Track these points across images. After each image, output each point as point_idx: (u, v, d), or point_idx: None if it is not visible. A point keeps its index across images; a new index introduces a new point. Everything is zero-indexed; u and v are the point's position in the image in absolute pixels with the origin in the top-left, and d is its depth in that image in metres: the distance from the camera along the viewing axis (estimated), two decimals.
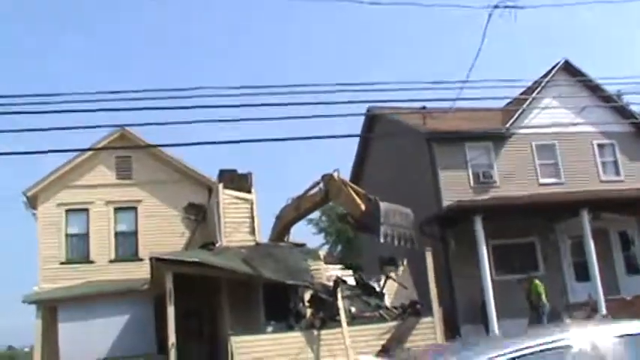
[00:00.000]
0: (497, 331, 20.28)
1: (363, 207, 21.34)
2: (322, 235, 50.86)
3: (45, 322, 21.64)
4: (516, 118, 24.87)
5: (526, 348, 4.50)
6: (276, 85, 12.47)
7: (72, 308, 21.50)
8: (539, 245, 24.28)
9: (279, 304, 20.25)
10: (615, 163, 26.61)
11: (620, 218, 25.34)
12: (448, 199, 23.12)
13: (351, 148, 32.62)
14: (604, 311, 21.15)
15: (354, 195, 21.91)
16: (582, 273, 23.43)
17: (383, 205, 20.55)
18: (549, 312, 19.94)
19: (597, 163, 26.24)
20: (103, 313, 21.43)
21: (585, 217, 22.42)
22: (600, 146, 26.51)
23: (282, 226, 25.40)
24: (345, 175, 32.35)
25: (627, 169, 26.53)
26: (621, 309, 21.70)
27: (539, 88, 25.19)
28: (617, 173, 26.44)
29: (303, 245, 23.68)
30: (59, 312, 21.58)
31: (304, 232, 38.53)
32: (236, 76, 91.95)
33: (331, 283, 20.01)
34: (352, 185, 22.61)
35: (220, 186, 22.50)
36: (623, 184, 25.88)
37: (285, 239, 24.69)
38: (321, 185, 23.38)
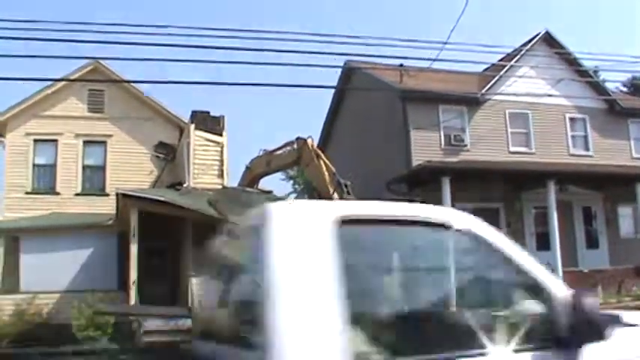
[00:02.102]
0: None
1: (330, 190, 21.54)
2: (290, 182, 51.08)
3: (7, 251, 21.51)
4: (492, 85, 24.92)
5: None
6: (254, 30, 12.35)
7: (35, 239, 21.35)
8: (503, 212, 24.58)
9: None
10: (585, 138, 26.85)
11: (585, 193, 25.71)
12: (418, 159, 23.17)
13: (324, 104, 32.53)
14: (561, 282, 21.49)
15: (325, 172, 22.01)
16: (543, 243, 23.73)
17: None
18: None
19: (568, 136, 26.46)
20: (66, 246, 21.32)
21: (552, 188, 22.69)
22: (572, 120, 26.70)
23: (252, 177, 25.42)
24: (318, 128, 32.41)
25: (597, 144, 26.79)
26: (578, 281, 22.12)
27: (517, 57, 25.24)
28: (587, 148, 26.69)
29: (270, 192, 23.73)
30: (22, 242, 21.42)
31: (272, 178, 38.49)
32: (213, 17, 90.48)
33: None
34: (324, 159, 22.62)
35: (192, 127, 22.38)
36: (591, 159, 26.16)
37: (254, 188, 24.74)
38: (295, 146, 23.42)
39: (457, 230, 3.53)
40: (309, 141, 22.73)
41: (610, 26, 78.25)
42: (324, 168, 22.17)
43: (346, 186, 21.44)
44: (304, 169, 24.29)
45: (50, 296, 20.06)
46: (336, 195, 21.26)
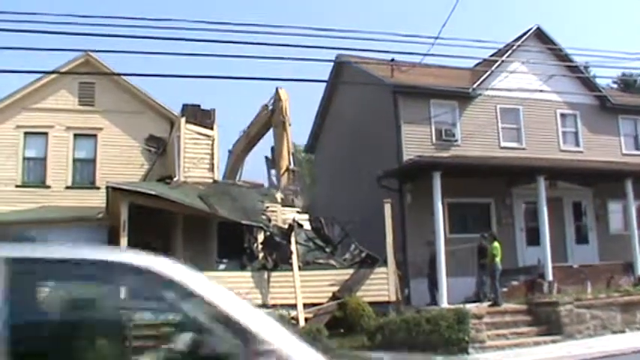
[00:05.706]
0: (445, 287, 20.53)
1: (283, 166, 22.19)
2: None
3: None
4: (483, 80, 24.91)
5: None
6: (246, 24, 12.30)
7: (25, 232, 21.27)
8: (494, 207, 24.62)
9: (233, 242, 20.36)
10: (576, 134, 26.91)
11: (575, 189, 25.79)
12: (409, 154, 23.19)
13: (314, 99, 32.48)
14: (550, 277, 21.59)
15: (285, 146, 22.49)
16: (533, 238, 23.86)
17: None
18: (500, 274, 20.21)
19: (559, 132, 26.50)
20: (56, 239, 21.12)
21: (542, 184, 22.71)
22: (563, 116, 26.75)
23: (235, 157, 25.67)
24: (308, 124, 32.40)
25: (587, 140, 26.84)
26: (567, 276, 22.22)
27: (509, 52, 25.21)
28: (577, 144, 26.74)
29: (262, 186, 23.83)
30: (11, 236, 21.32)
31: (258, 170, 38.46)
32: (205, 11, 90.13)
33: (286, 226, 20.13)
34: (288, 135, 23.03)
35: (183, 120, 22.36)
36: (581, 155, 26.21)
37: (239, 172, 24.88)
38: (271, 103, 23.73)
39: (135, 270, 3.35)
40: (283, 97, 23.17)
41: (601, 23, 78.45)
42: (286, 142, 22.71)
43: (294, 172, 22.13)
44: (274, 130, 24.50)
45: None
46: (286, 175, 22.03)
